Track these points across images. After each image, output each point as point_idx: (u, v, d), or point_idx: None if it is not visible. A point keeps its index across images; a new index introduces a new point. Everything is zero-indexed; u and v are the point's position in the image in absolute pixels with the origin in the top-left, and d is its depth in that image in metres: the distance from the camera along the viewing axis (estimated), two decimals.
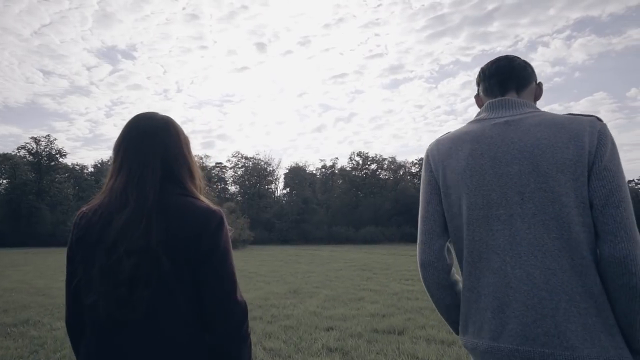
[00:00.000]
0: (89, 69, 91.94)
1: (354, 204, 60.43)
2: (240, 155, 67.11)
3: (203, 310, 1.12)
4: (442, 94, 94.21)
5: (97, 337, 1.11)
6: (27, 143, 62.05)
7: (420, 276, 1.37)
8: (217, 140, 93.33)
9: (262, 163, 66.55)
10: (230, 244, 1.19)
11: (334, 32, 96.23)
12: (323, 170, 67.82)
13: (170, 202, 1.13)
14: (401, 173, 65.57)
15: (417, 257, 1.36)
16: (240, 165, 67.15)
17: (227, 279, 1.13)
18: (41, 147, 62.54)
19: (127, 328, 1.08)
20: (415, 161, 64.70)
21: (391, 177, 65.35)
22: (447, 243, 1.33)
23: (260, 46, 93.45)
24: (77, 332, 1.20)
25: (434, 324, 5.85)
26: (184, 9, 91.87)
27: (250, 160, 66.73)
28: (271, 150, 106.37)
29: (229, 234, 1.19)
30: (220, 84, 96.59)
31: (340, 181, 66.26)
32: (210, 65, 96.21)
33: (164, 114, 1.26)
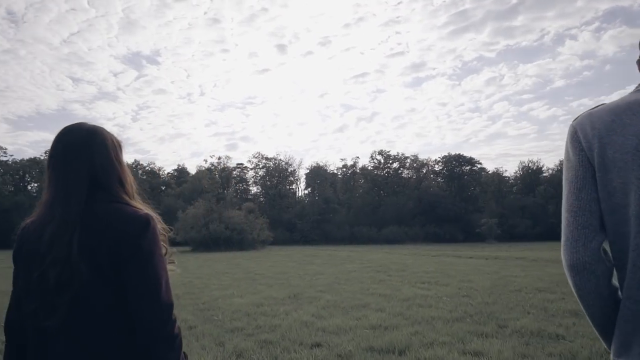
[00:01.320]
0: (115, 75, 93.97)
1: (376, 204, 59.14)
2: (260, 156, 66.78)
3: (130, 312, 1.14)
4: (465, 91, 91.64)
5: (33, 343, 1.17)
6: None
7: (571, 282, 1.10)
8: (240, 142, 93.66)
9: (283, 163, 66.01)
10: (159, 246, 1.19)
11: (354, 32, 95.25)
12: (344, 169, 66.67)
13: (98, 210, 1.17)
14: (424, 171, 63.86)
15: (565, 258, 1.09)
16: (261, 166, 66.80)
17: (149, 281, 1.14)
18: None
19: (54, 334, 1.13)
20: (439, 159, 62.88)
21: (414, 175, 63.71)
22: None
23: (281, 48, 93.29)
24: (14, 336, 1.24)
25: (445, 341, 4.81)
26: (205, 13, 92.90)
27: (270, 161, 66.30)
28: (293, 151, 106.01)
29: (159, 236, 1.21)
30: (243, 87, 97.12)
31: (362, 181, 65.04)
32: (232, 68, 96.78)
33: (92, 123, 1.28)
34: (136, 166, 72.99)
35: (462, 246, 36.40)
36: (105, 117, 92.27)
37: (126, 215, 1.16)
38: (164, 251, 1.24)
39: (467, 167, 62.19)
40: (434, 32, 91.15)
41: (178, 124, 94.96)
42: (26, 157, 65.00)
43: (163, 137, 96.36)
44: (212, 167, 66.22)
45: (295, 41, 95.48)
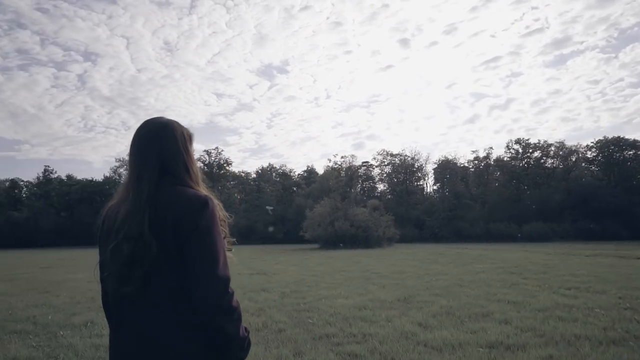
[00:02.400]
0: (251, 87, 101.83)
1: (515, 197, 53.50)
2: (385, 153, 65.76)
3: (187, 284, 1.24)
4: (624, 64, 77.30)
5: (111, 306, 1.35)
6: (202, 155, 71.28)
7: None
8: (366, 140, 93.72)
9: (409, 159, 63.98)
10: (217, 225, 1.29)
11: (483, 14, 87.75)
12: (476, 162, 61.77)
13: (165, 192, 1.30)
14: (573, 159, 55.70)
15: None
16: (386, 163, 65.77)
17: (207, 255, 1.23)
18: (212, 158, 71.15)
19: (127, 300, 1.27)
20: (591, 144, 54.11)
21: (560, 164, 56.00)
22: None
23: (404, 42, 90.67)
24: (103, 299, 1.43)
25: None
26: (327, 18, 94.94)
27: (396, 157, 64.83)
28: (421, 146, 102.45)
29: (219, 218, 1.33)
30: (367, 86, 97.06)
31: (498, 173, 59.50)
32: (356, 69, 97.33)
33: (169, 118, 1.44)
34: (270, 169, 78.18)
35: (626, 245, 30.49)
36: (244, 126, 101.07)
37: (188, 196, 1.28)
38: (222, 235, 1.34)
39: (631, 152, 52.37)
40: (580, 0, 79.24)
41: (307, 128, 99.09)
42: None
43: (294, 141, 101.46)
44: (338, 167, 67.40)
45: (418, 33, 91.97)
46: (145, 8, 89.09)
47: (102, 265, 1.33)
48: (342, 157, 67.34)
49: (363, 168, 67.67)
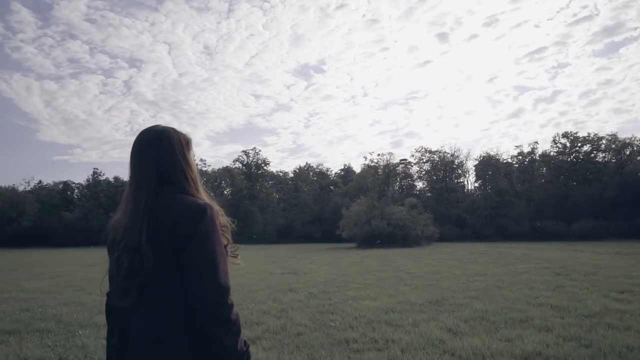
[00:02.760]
0: (288, 87, 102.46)
1: (562, 194, 50.83)
2: (424, 150, 64.30)
3: (187, 294, 1.20)
4: None
5: (115, 322, 1.33)
6: (240, 156, 72.30)
7: None
8: (404, 138, 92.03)
9: (449, 156, 62.26)
10: (216, 233, 1.25)
11: (525, 4, 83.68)
12: (520, 158, 59.20)
13: (164, 201, 1.27)
14: (627, 153, 52.30)
15: None
16: (424, 160, 64.31)
17: (205, 264, 1.19)
18: (250, 159, 72.08)
19: (129, 313, 1.25)
20: None
21: (613, 158, 52.73)
22: None
23: (442, 36, 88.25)
24: (108, 316, 1.40)
25: None
26: (364, 15, 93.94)
27: (435, 154, 63.25)
28: (461, 142, 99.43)
29: (219, 225, 1.29)
30: (404, 82, 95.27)
31: (544, 169, 56.79)
32: (393, 66, 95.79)
33: (165, 126, 1.41)
34: (307, 168, 78.37)
35: None
36: (282, 126, 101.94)
37: (186, 204, 1.26)
38: (224, 242, 1.32)
39: None
40: None
41: (344, 127, 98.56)
42: (222, 166, 75.95)
43: (332, 140, 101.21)
44: (375, 165, 66.58)
45: (457, 27, 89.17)
46: (186, 14, 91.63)
47: (110, 278, 1.32)
48: (378, 155, 66.53)
49: (401, 166, 66.55)
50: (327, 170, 77.41)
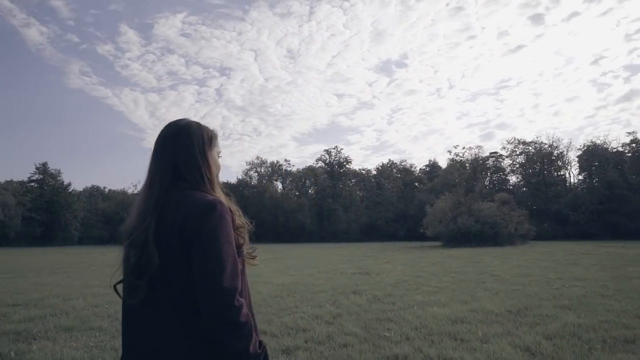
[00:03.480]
0: (370, 84, 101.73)
1: None
2: (516, 141, 59.45)
3: (195, 294, 1.15)
4: None
5: (123, 318, 1.26)
6: (322, 155, 72.98)
7: None
8: (495, 130, 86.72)
9: (546, 146, 56.88)
10: (225, 231, 1.18)
11: None
12: (634, 146, 52.12)
13: (174, 197, 1.23)
14: None
15: None
16: (518, 152, 59.46)
17: (211, 263, 1.13)
18: (332, 157, 72.37)
19: (135, 311, 1.20)
20: None
21: None
22: None
23: (536, 18, 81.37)
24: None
25: None
26: (447, 5, 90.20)
27: (530, 145, 58.19)
28: (562, 132, 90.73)
29: (231, 224, 1.22)
30: (494, 71, 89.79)
31: None
32: (481, 54, 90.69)
33: (189, 120, 1.37)
34: (390, 165, 76.79)
35: None
36: (365, 124, 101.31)
37: (195, 200, 1.20)
38: (241, 242, 1.27)
39: None
40: None
41: (430, 121, 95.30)
42: (306, 166, 77.28)
43: (416, 136, 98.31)
44: (462, 159, 63.07)
45: (553, 6, 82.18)
46: (269, 20, 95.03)
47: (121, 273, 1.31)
48: (463, 149, 62.95)
49: (491, 159, 62.29)
50: (412, 167, 75.21)
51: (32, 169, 66.30)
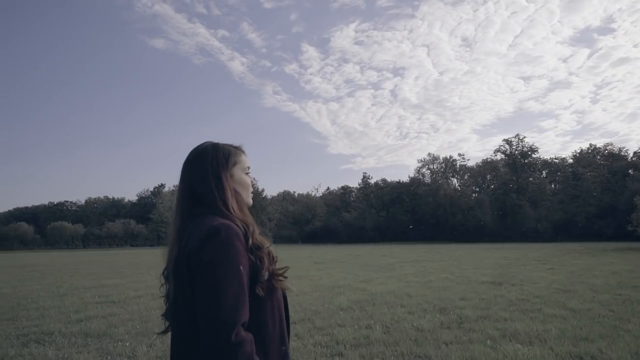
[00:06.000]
0: (564, 60, 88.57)
1: None
2: None
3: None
4: None
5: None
6: (501, 145, 65.88)
7: None
8: None
9: None
10: (227, 258, 1.13)
11: None
12: None
13: (191, 224, 1.22)
14: None
15: None
16: None
17: (207, 294, 1.10)
18: (513, 148, 64.70)
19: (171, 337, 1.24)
20: None
21: None
22: None
23: None
24: None
25: None
26: None
27: None
28: None
29: (239, 247, 1.15)
30: None
31: None
32: None
33: (209, 142, 1.36)
34: (592, 151, 64.72)
35: None
36: (561, 106, 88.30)
37: (201, 226, 1.17)
38: (262, 265, 1.19)
39: None
40: None
41: None
42: (484, 159, 71.41)
43: (632, 113, 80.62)
44: None
45: None
46: (441, 12, 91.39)
47: None
48: None
49: None
50: (621, 151, 61.78)
51: None
